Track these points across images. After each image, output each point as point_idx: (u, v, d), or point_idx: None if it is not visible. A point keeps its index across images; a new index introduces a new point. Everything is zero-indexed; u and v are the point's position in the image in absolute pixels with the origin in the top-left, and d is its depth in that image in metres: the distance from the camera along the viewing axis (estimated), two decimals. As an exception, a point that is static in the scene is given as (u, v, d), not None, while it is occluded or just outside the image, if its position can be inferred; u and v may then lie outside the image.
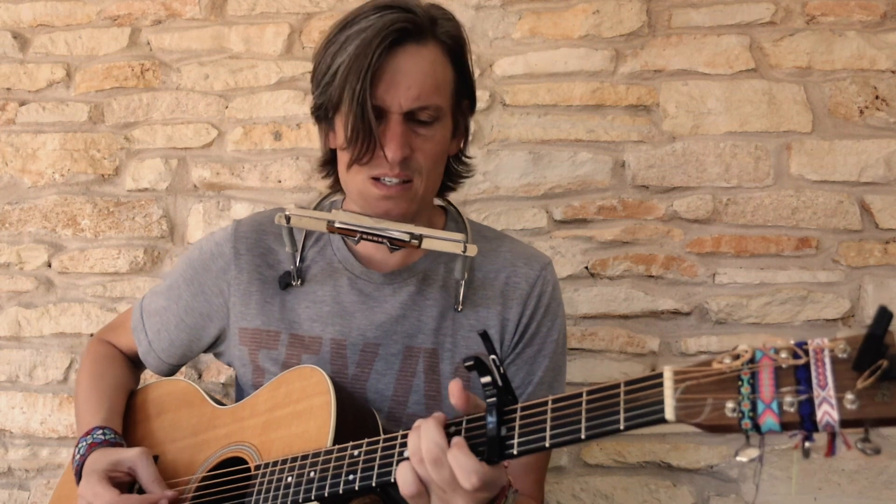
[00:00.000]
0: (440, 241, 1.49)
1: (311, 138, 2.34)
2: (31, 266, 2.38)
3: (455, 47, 1.51)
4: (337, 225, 1.49)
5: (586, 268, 2.24)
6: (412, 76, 1.44)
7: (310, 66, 2.31)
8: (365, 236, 1.49)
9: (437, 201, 1.74)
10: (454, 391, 1.19)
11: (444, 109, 1.49)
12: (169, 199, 2.37)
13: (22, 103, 2.43)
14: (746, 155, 2.23)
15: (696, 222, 2.23)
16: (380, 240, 1.48)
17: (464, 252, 1.48)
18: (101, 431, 1.58)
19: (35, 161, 2.41)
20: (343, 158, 1.51)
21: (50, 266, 2.38)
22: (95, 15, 2.45)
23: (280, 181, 2.34)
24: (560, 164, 2.26)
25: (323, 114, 1.52)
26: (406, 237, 1.47)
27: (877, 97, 2.22)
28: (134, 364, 1.83)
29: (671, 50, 2.28)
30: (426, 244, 1.48)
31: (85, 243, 2.38)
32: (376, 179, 1.48)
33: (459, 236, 1.49)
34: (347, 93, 1.40)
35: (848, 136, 2.22)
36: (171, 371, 1.79)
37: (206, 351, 1.74)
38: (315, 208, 1.70)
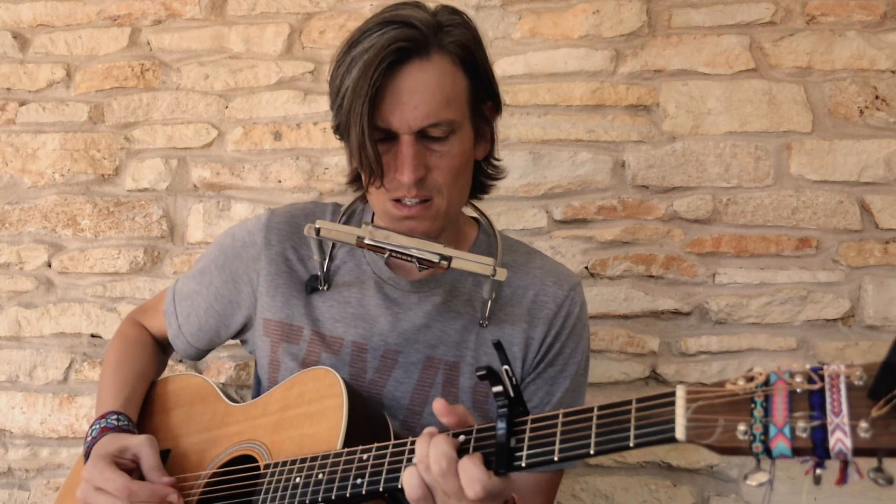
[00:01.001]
0: (470, 262, 1.45)
1: (311, 138, 2.33)
2: (31, 266, 2.38)
3: (465, 55, 1.46)
4: (366, 241, 1.47)
5: (586, 268, 2.24)
6: (418, 94, 1.39)
7: (310, 66, 2.37)
8: (394, 255, 1.47)
9: (471, 212, 1.72)
10: (440, 409, 1.19)
11: (457, 122, 1.45)
12: (169, 199, 2.37)
13: (22, 103, 2.43)
14: (746, 155, 2.24)
15: (696, 222, 2.23)
16: (409, 259, 1.46)
17: (493, 275, 1.44)
18: (115, 417, 1.59)
19: (35, 161, 2.40)
20: (363, 179, 1.50)
21: (50, 266, 2.37)
22: (95, 15, 2.44)
23: (280, 181, 2.33)
24: (560, 164, 2.26)
25: (341, 134, 1.49)
26: (435, 258, 1.44)
27: (877, 97, 2.23)
28: (162, 349, 1.84)
29: (671, 50, 2.28)
30: (455, 265, 1.44)
31: (85, 243, 2.37)
32: (397, 200, 1.46)
33: (489, 260, 1.45)
34: (352, 118, 1.38)
35: (848, 136, 2.23)
36: (199, 356, 1.80)
37: (233, 338, 1.74)
38: (345, 212, 1.69)
